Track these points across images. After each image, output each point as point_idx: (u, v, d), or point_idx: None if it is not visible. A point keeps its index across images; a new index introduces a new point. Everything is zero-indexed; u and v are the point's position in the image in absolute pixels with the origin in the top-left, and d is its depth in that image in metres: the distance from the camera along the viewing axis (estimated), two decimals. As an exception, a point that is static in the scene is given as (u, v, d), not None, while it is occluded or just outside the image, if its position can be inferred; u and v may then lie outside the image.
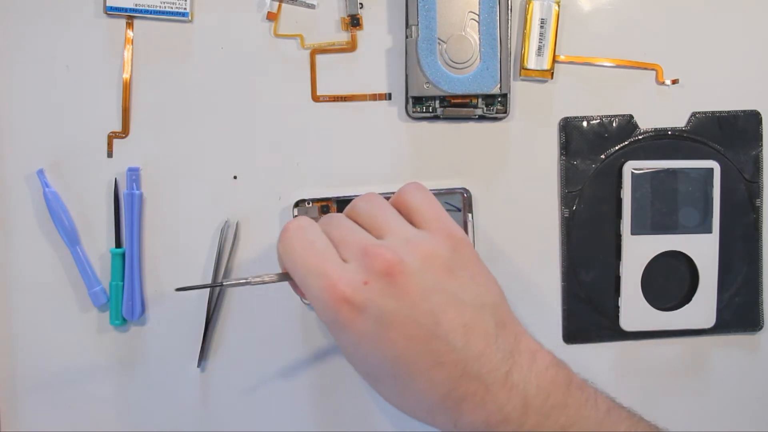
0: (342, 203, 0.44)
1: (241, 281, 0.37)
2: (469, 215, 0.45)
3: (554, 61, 0.45)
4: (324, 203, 0.44)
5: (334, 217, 0.36)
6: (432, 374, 0.32)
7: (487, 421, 0.32)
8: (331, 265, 0.33)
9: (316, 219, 0.43)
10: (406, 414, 0.34)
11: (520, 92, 0.46)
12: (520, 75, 0.45)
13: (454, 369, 0.32)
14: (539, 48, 0.45)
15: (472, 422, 0.32)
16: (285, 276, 0.36)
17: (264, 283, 0.37)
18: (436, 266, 0.34)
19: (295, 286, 0.36)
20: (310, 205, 0.44)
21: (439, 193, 0.45)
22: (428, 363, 0.32)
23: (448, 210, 0.43)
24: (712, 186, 0.45)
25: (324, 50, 0.45)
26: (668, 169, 0.45)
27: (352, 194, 0.44)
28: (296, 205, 0.44)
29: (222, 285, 0.39)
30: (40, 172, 0.45)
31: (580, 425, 0.33)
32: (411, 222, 0.36)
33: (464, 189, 0.45)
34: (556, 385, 0.33)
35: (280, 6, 0.45)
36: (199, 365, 0.46)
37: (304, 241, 0.34)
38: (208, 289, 0.45)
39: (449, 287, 0.34)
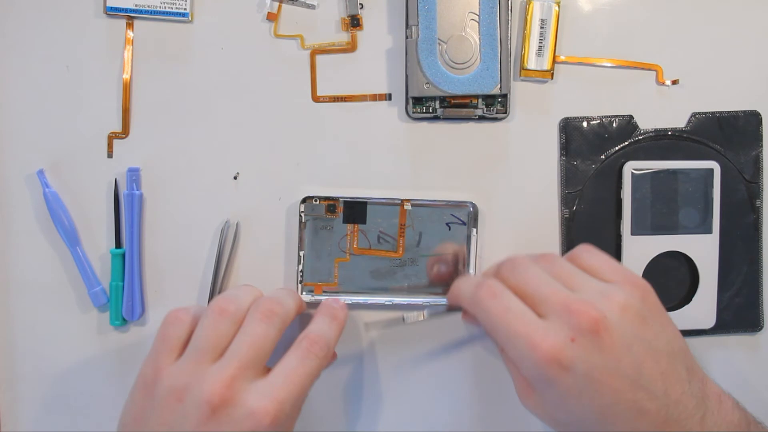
0: (349, 203, 0.44)
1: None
2: (474, 230, 0.45)
3: (554, 61, 0.45)
4: (331, 202, 0.44)
5: (520, 266, 0.37)
6: (636, 424, 0.33)
7: None
8: (532, 326, 0.34)
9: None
10: None
11: (520, 92, 0.46)
12: (520, 75, 0.45)
13: (657, 417, 0.33)
14: (539, 48, 0.45)
15: None
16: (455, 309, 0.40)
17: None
18: (631, 317, 0.35)
19: (468, 318, 0.41)
20: (317, 202, 0.44)
21: (446, 206, 0.45)
22: (633, 413, 0.33)
23: (453, 223, 0.44)
24: (712, 186, 0.45)
25: (324, 50, 0.45)
26: (668, 170, 0.45)
27: (359, 195, 0.44)
28: (303, 201, 0.44)
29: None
30: (40, 173, 0.45)
31: None
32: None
33: (471, 203, 0.45)
34: (741, 428, 0.35)
35: (280, 6, 0.45)
36: (199, 365, 0.46)
37: (499, 306, 0.35)
38: (209, 288, 0.45)
39: (645, 336, 0.35)
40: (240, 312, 0.38)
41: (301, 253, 0.45)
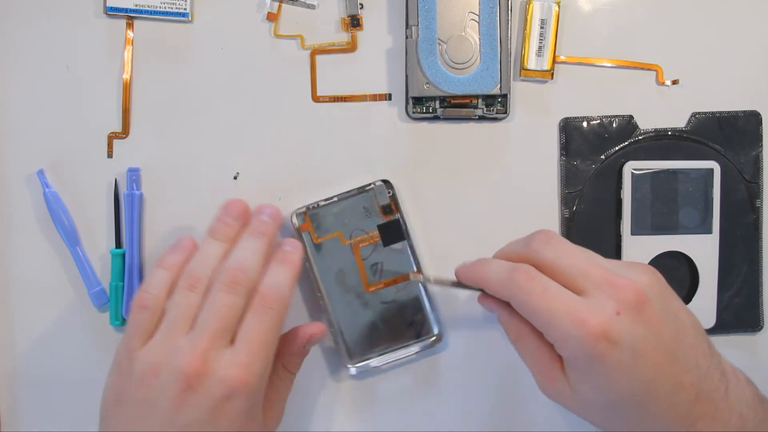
0: (394, 224, 0.44)
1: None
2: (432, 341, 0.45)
3: (554, 61, 0.45)
4: (393, 206, 0.44)
5: (555, 239, 0.37)
6: (673, 397, 0.33)
7: None
8: (576, 304, 0.34)
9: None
10: None
11: (520, 92, 0.46)
12: (520, 75, 0.45)
13: (691, 389, 0.33)
14: (539, 48, 0.45)
15: None
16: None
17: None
18: (657, 292, 0.35)
19: (486, 301, 0.40)
20: (389, 192, 0.44)
21: (426, 310, 0.45)
22: (672, 387, 0.33)
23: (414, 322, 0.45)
24: (712, 186, 0.45)
25: (324, 50, 0.45)
26: (668, 170, 0.45)
27: (410, 230, 0.45)
28: (384, 182, 0.44)
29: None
30: (40, 173, 0.45)
31: None
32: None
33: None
34: (756, 401, 0.35)
35: (280, 6, 0.45)
36: (199, 365, 0.46)
37: (539, 287, 0.35)
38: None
39: (672, 310, 0.35)
40: (209, 280, 0.38)
41: (336, 198, 0.44)
